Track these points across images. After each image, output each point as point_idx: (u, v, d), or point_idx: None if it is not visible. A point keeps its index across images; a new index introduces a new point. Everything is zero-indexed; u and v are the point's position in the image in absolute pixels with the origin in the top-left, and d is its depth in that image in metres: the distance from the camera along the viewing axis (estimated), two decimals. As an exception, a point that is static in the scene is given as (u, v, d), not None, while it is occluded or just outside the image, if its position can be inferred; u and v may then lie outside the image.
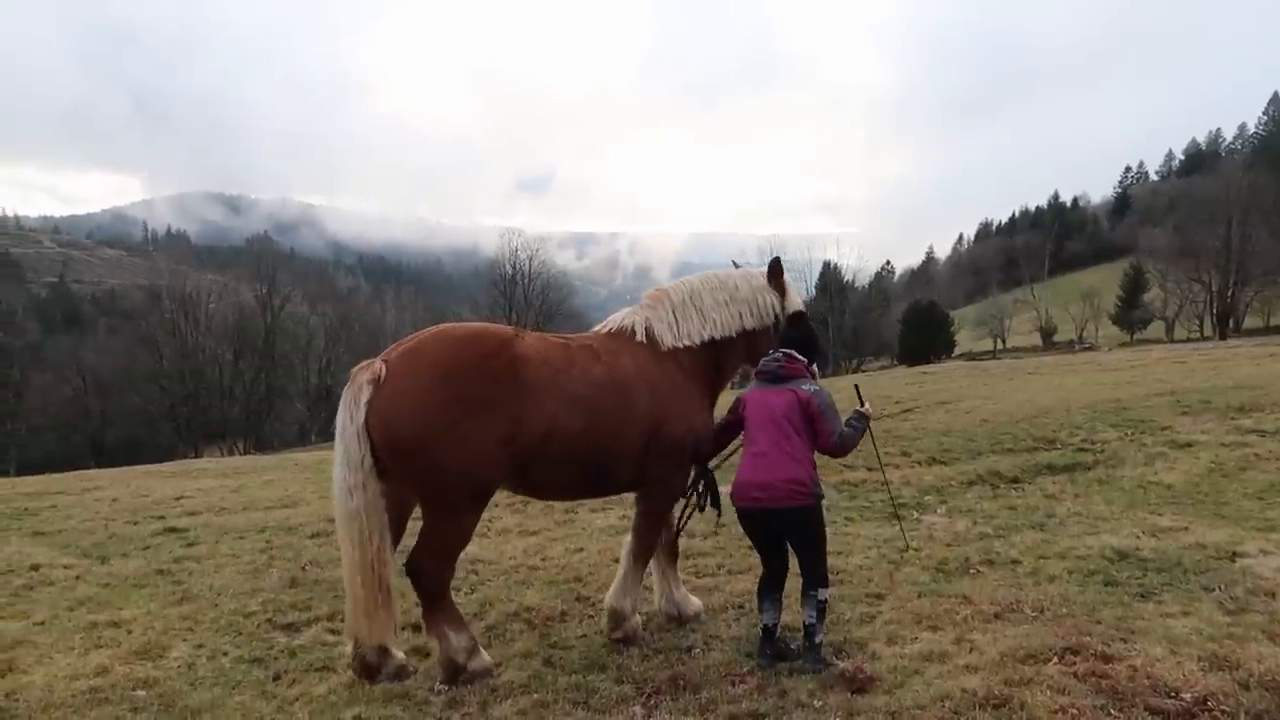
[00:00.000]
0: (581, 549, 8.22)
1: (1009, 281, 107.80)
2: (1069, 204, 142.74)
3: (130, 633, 6.09)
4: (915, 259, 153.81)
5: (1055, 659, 4.83)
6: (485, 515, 9.03)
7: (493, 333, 5.10)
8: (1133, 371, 25.71)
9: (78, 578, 7.65)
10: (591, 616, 6.22)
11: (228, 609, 6.63)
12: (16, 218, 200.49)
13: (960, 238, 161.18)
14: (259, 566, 8.03)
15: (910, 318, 74.81)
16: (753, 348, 5.93)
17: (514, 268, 65.76)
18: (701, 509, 5.70)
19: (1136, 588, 6.32)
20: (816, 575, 5.11)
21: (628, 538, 5.79)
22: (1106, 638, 5.16)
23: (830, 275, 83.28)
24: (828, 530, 8.41)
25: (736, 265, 6.41)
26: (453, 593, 6.76)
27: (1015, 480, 11.00)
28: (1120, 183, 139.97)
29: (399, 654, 5.20)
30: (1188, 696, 4.28)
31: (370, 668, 5.00)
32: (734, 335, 5.95)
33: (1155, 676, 4.52)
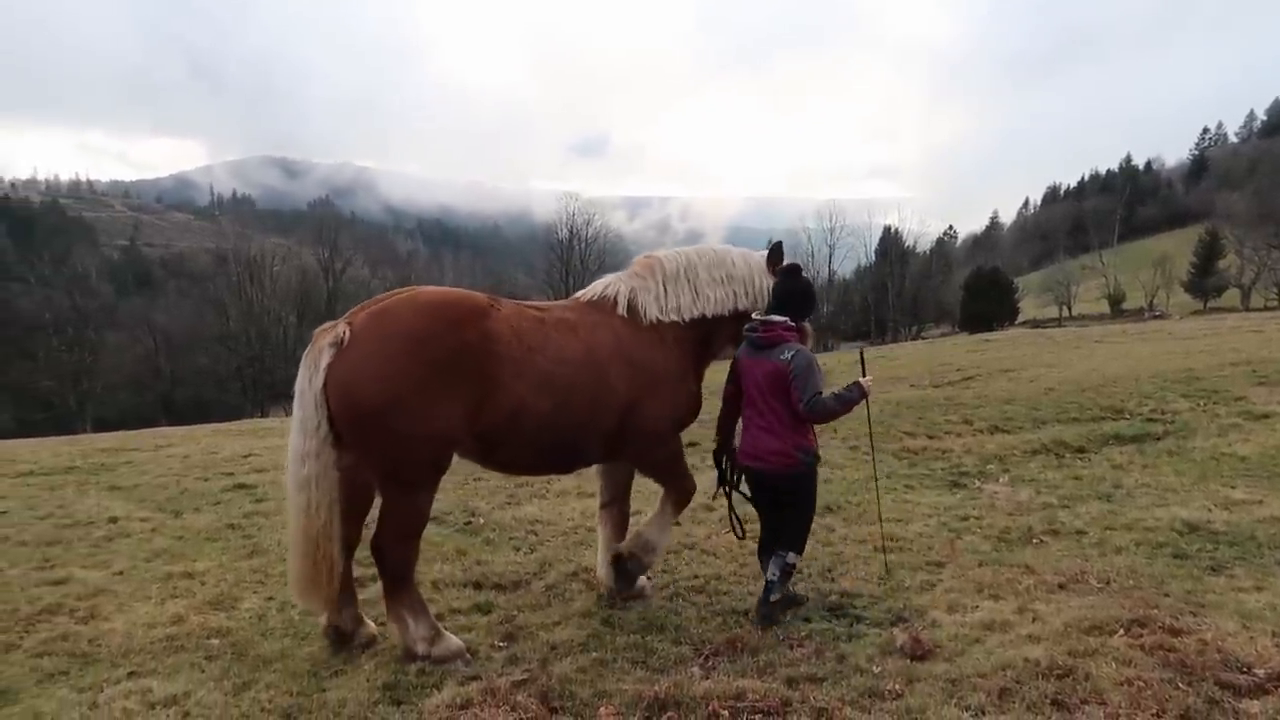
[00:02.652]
0: (639, 511, 8.23)
1: (1076, 247, 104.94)
2: (1142, 167, 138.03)
3: (204, 584, 6.30)
4: (978, 224, 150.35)
5: (1121, 631, 4.76)
6: (543, 476, 9.14)
7: (466, 300, 4.79)
8: (1206, 340, 24.91)
9: (153, 530, 7.92)
10: (649, 578, 6.26)
11: (296, 563, 6.81)
12: (89, 182, 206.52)
13: (1026, 202, 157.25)
14: (325, 523, 8.23)
15: (973, 284, 73.27)
16: (741, 330, 5.66)
17: (571, 232, 65.84)
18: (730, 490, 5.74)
19: (1207, 561, 6.18)
20: (791, 538, 5.30)
21: (660, 493, 5.76)
22: (1175, 611, 5.07)
23: (891, 240, 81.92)
24: (889, 498, 8.40)
25: (737, 244, 6.17)
26: (514, 552, 6.90)
27: (1081, 450, 10.76)
28: (1197, 145, 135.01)
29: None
30: (1260, 672, 4.19)
31: (343, 636, 4.99)
32: (726, 315, 5.67)
33: (1226, 651, 4.43)
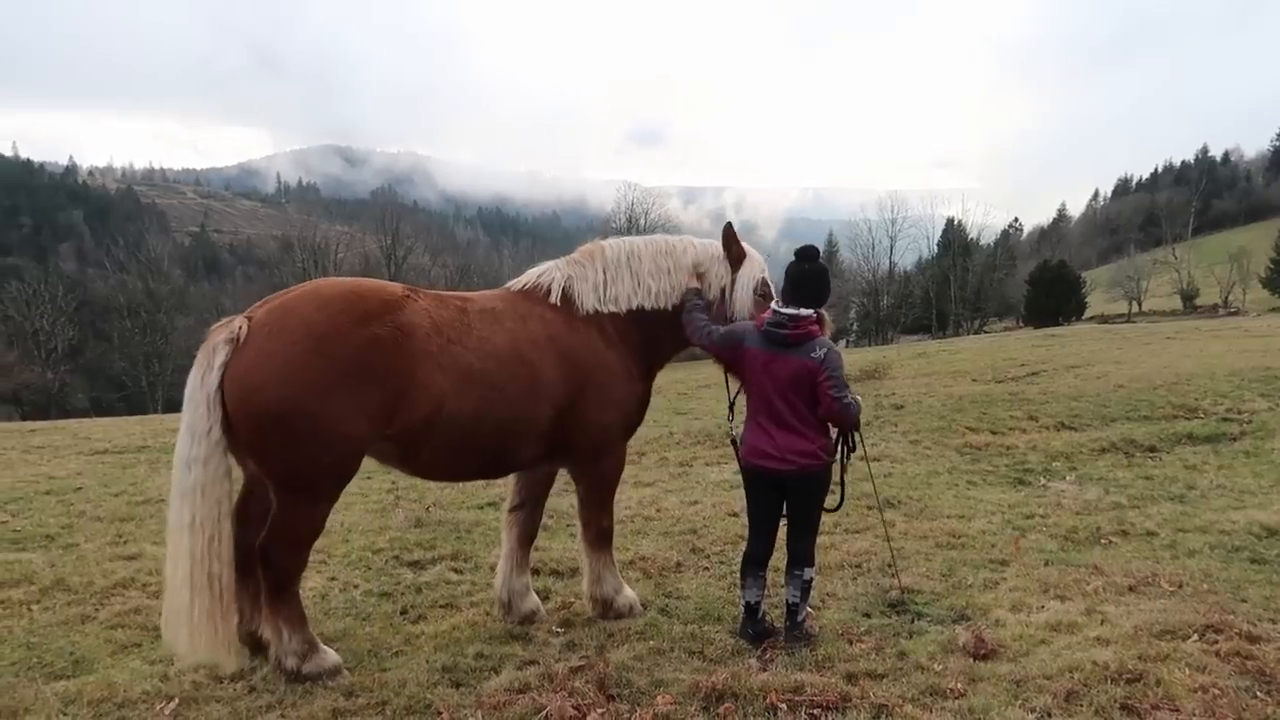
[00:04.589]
0: (696, 502, 8.25)
1: (1148, 241, 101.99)
2: (1219, 158, 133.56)
3: (269, 563, 6.44)
4: (1045, 216, 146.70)
5: (1195, 636, 4.60)
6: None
7: (375, 291, 4.38)
8: (1285, 338, 24.03)
9: (221, 509, 8.12)
10: (706, 568, 6.25)
11: (358, 545, 6.94)
12: (162, 170, 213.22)
13: (1095, 194, 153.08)
14: (386, 506, 8.37)
15: (1038, 278, 71.50)
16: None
17: (629, 221, 65.83)
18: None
19: (1287, 567, 5.95)
20: (803, 552, 4.85)
21: (578, 527, 5.32)
22: (1253, 617, 4.89)
23: (954, 232, 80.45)
24: (951, 494, 8.26)
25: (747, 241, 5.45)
26: (570, 539, 6.92)
27: (1152, 449, 10.46)
28: (1278, 135, 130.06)
29: (535, 597, 5.31)
30: (1346, 684, 4.01)
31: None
32: (669, 310, 5.14)
33: (1308, 661, 4.25)
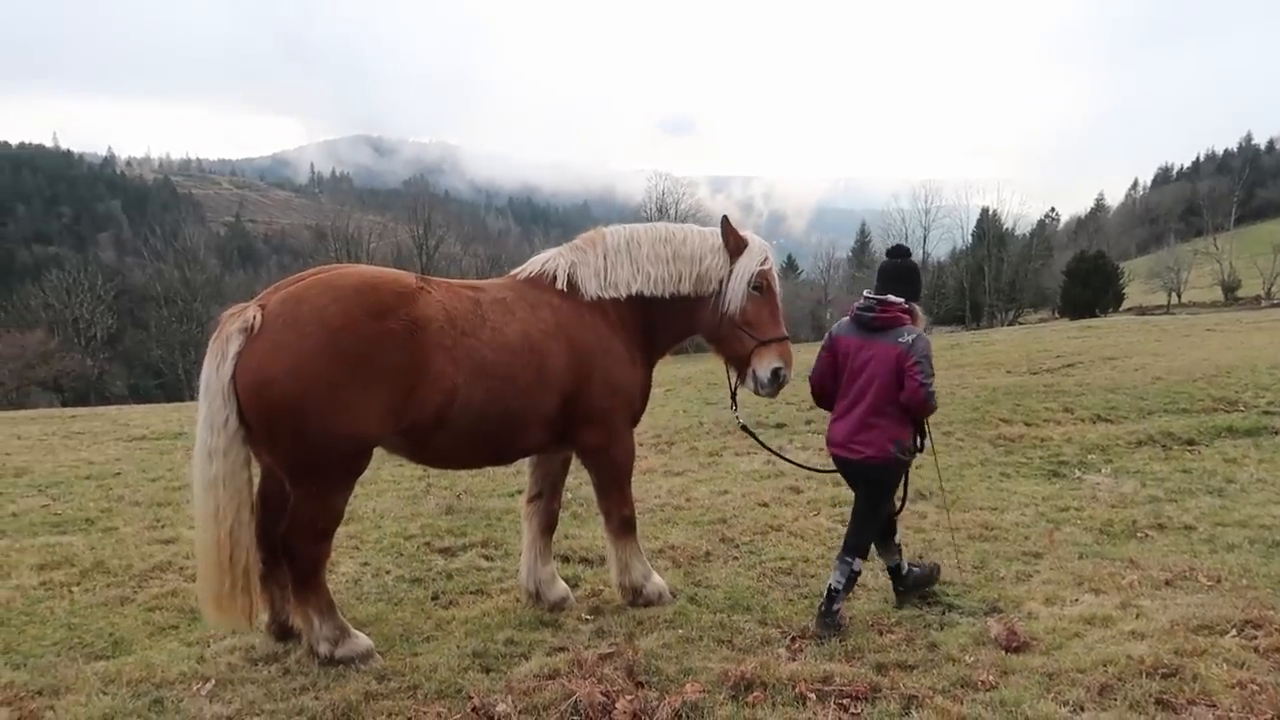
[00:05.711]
0: (726, 491, 8.24)
1: (1189, 231, 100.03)
2: (1263, 147, 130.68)
3: (303, 547, 6.52)
4: (1082, 206, 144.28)
5: (1233, 631, 4.52)
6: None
7: (390, 283, 4.33)
8: (1330, 330, 23.51)
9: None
10: (736, 558, 6.25)
11: (390, 531, 7.01)
12: (198, 160, 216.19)
13: (1135, 183, 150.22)
14: (417, 493, 8.44)
15: (1075, 268, 70.40)
16: (690, 319, 5.21)
17: (660, 211, 65.64)
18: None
19: (1330, 563, 5.83)
20: (855, 543, 4.91)
21: (601, 520, 5.33)
22: (1294, 613, 4.78)
23: (989, 222, 79.35)
24: (983, 486, 8.17)
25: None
26: (600, 527, 6.95)
27: (1190, 442, 10.29)
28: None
29: (563, 584, 5.36)
30: (1390, 682, 3.92)
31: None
32: (667, 297, 5.11)
33: (1351, 659, 4.16)
